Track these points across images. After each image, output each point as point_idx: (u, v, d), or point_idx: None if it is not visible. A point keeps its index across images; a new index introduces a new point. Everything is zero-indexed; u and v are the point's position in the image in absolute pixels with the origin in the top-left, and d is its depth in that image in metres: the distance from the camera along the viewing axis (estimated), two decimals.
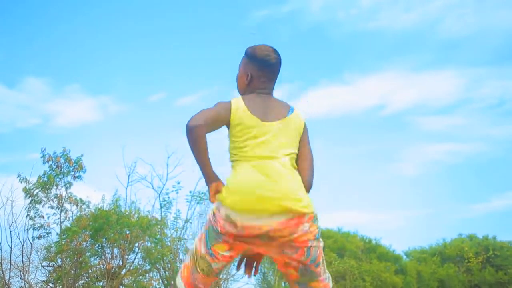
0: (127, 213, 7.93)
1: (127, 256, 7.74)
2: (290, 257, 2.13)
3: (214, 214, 2.14)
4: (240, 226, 2.06)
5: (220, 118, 2.21)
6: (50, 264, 7.70)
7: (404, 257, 15.80)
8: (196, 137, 2.13)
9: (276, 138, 2.21)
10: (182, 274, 2.31)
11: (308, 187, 2.21)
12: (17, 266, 7.88)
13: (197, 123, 2.13)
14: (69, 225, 7.51)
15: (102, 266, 7.51)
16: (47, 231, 7.73)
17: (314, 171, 2.29)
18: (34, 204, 7.64)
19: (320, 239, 2.18)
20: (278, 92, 2.43)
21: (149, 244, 7.88)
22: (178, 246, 8.42)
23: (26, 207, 7.65)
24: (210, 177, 2.13)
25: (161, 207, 8.61)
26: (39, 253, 8.00)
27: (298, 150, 2.29)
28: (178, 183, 8.57)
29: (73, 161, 7.70)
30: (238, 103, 2.25)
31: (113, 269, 7.45)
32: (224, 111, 2.22)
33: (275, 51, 2.39)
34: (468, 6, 15.79)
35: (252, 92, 2.37)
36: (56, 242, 7.27)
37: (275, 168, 2.14)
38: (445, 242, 15.98)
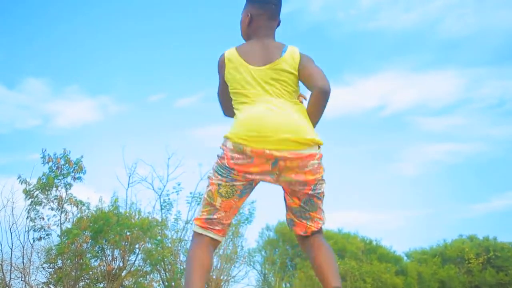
0: (127, 214, 7.92)
1: (127, 258, 7.73)
2: (298, 189, 2.18)
3: (221, 149, 2.18)
4: (249, 152, 2.08)
5: (226, 85, 2.34)
6: (51, 265, 7.68)
7: (405, 258, 15.80)
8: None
9: (269, 83, 2.25)
10: (195, 222, 2.32)
11: (323, 92, 2.20)
12: (18, 267, 7.87)
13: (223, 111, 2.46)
14: (69, 227, 7.50)
15: (102, 268, 7.49)
16: (48, 232, 7.72)
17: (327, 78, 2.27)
18: (34, 206, 7.63)
19: (325, 182, 2.25)
20: None
21: (149, 245, 7.88)
22: (179, 248, 8.41)
23: (26, 209, 7.65)
24: None
25: (161, 209, 8.62)
26: (39, 254, 8.00)
27: (301, 74, 2.30)
28: (179, 184, 8.58)
29: (73, 162, 7.69)
30: (230, 52, 2.35)
31: (113, 271, 7.44)
32: (222, 76, 2.36)
33: None
34: (468, 6, 15.80)
35: (252, 35, 2.43)
36: (57, 244, 7.26)
37: (276, 103, 2.20)
38: (445, 243, 15.97)
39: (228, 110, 2.38)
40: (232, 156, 2.11)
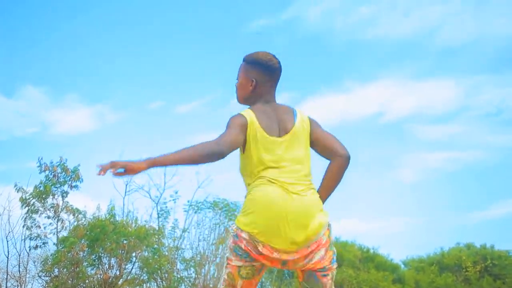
0: (124, 222, 7.90)
1: (124, 266, 7.71)
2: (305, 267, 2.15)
3: (236, 234, 2.13)
4: (261, 249, 2.07)
5: (239, 140, 2.16)
6: (47, 274, 7.65)
7: (402, 266, 15.76)
8: (209, 156, 2.01)
9: (289, 152, 2.20)
10: None
11: (347, 160, 2.24)
12: (14, 276, 7.84)
13: (222, 150, 2.04)
14: (65, 235, 7.48)
15: (99, 276, 7.47)
16: (44, 241, 7.70)
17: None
18: (30, 214, 7.61)
19: (335, 264, 2.21)
20: (277, 100, 2.42)
21: (146, 254, 7.85)
22: (176, 256, 8.39)
23: (23, 217, 7.63)
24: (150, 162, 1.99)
25: (158, 217, 8.60)
26: (36, 263, 7.97)
27: (315, 141, 2.29)
28: (176, 193, 8.56)
29: (70, 170, 7.69)
30: (251, 118, 2.20)
31: (110, 279, 7.41)
32: (241, 131, 2.16)
33: (275, 56, 2.38)
34: (467, 14, 15.88)
35: (256, 100, 2.34)
36: (54, 253, 7.23)
37: (292, 182, 2.14)
38: (443, 251, 15.94)
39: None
40: (247, 245, 2.09)
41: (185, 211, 8.67)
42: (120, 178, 2.02)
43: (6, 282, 7.70)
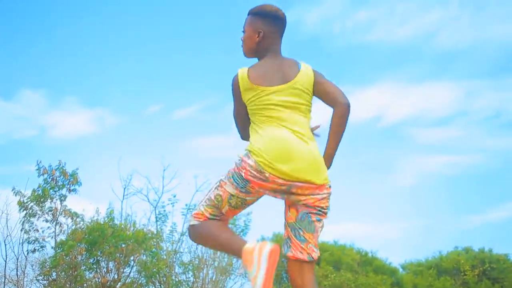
0: (122, 226, 7.89)
1: (122, 270, 7.69)
2: (301, 204, 2.21)
3: (241, 160, 2.18)
4: (268, 175, 2.12)
5: (242, 107, 2.33)
6: (45, 278, 7.63)
7: (401, 270, 15.76)
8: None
9: (287, 100, 2.26)
10: (196, 218, 2.30)
11: (348, 107, 2.31)
12: (12, 280, 7.82)
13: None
14: (64, 239, 7.46)
15: (97, 280, 7.45)
16: (42, 244, 7.68)
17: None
18: (28, 218, 7.60)
19: (327, 214, 2.27)
20: None
21: (144, 257, 7.84)
22: (174, 260, 8.38)
23: (20, 220, 7.62)
24: None
25: (156, 220, 8.59)
26: (34, 266, 7.95)
27: (318, 90, 2.35)
28: (174, 196, 8.55)
29: (68, 174, 7.68)
30: (244, 74, 2.30)
31: (108, 283, 7.39)
32: (238, 99, 2.33)
33: (280, 8, 2.43)
34: (464, 19, 15.93)
35: (262, 52, 2.39)
36: (52, 256, 7.22)
37: (298, 129, 2.23)
38: (441, 255, 15.94)
39: (245, 132, 2.36)
40: (251, 172, 2.13)
41: (183, 214, 8.67)
42: None
43: (4, 286, 7.68)
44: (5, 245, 7.71)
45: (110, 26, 13.75)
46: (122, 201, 8.45)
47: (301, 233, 2.22)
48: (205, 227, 2.23)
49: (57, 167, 7.70)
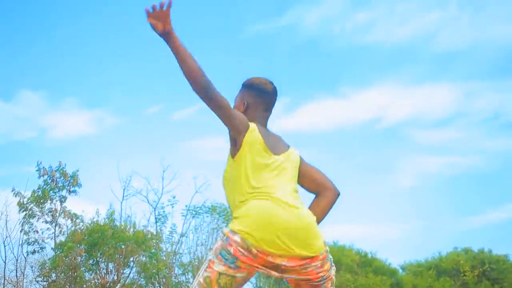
0: (122, 227, 7.90)
1: (122, 271, 7.69)
2: (303, 284, 2.14)
3: (227, 237, 2.10)
4: (255, 252, 2.05)
5: (236, 122, 2.13)
6: (45, 279, 7.64)
7: (400, 270, 15.75)
8: (198, 90, 2.06)
9: (285, 171, 2.22)
10: None
11: (337, 196, 2.30)
12: (11, 281, 7.83)
13: (213, 95, 2.05)
14: (63, 240, 7.47)
15: (97, 281, 7.45)
16: (41, 245, 7.69)
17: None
18: (28, 219, 7.60)
19: (333, 269, 2.20)
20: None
21: (144, 258, 7.84)
22: (174, 261, 8.38)
23: (20, 222, 7.62)
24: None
25: (156, 221, 8.59)
26: (33, 268, 7.96)
27: (303, 174, 2.31)
28: (174, 197, 8.55)
29: (68, 175, 7.68)
30: (253, 126, 2.19)
31: (108, 284, 7.40)
32: (243, 122, 2.16)
33: (272, 82, 2.38)
34: (464, 20, 15.94)
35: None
36: (51, 258, 7.22)
37: (288, 198, 2.13)
38: (440, 256, 15.94)
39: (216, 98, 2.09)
40: (238, 249, 2.06)
41: (183, 216, 8.69)
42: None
43: (4, 287, 7.68)
44: (5, 246, 7.73)
45: (109, 27, 13.76)
46: (121, 202, 8.47)
47: None
48: None
49: (57, 168, 7.71)
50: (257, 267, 2.10)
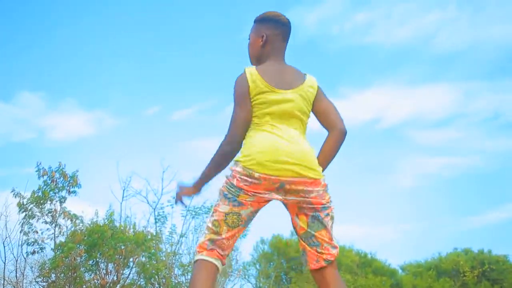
0: (122, 228, 7.89)
1: (122, 271, 7.69)
2: (305, 206, 2.19)
3: (230, 170, 2.19)
4: (257, 176, 2.12)
5: (249, 116, 2.24)
6: (44, 279, 7.64)
7: (400, 271, 15.79)
8: (227, 157, 2.23)
9: (291, 107, 2.25)
10: (198, 251, 2.28)
11: (344, 135, 2.31)
12: (11, 281, 7.82)
13: (235, 147, 2.23)
14: (63, 240, 7.47)
15: (96, 282, 7.45)
16: (41, 246, 7.68)
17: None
18: (28, 219, 7.60)
19: (333, 206, 2.26)
20: None
21: (143, 259, 7.84)
22: (173, 261, 8.38)
23: (20, 222, 7.62)
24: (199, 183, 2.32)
25: (156, 222, 8.59)
26: (33, 268, 7.95)
27: (316, 110, 2.35)
28: (173, 198, 8.55)
29: (68, 176, 7.69)
30: (252, 76, 2.26)
31: (107, 285, 7.39)
32: (247, 101, 2.24)
33: (284, 14, 2.45)
34: (463, 21, 15.96)
35: (267, 58, 2.39)
36: (51, 258, 7.22)
37: (290, 134, 2.21)
38: (440, 256, 15.97)
39: (240, 142, 2.25)
40: (241, 178, 2.14)
41: (182, 216, 8.69)
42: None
43: None
44: (4, 247, 7.72)
45: (109, 28, 13.78)
46: (121, 203, 8.46)
47: (314, 238, 2.22)
48: (196, 278, 2.20)
49: (57, 168, 7.71)
50: (261, 193, 2.16)
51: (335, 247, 2.25)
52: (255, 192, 2.15)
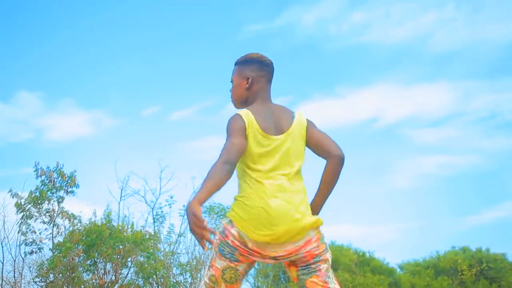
0: (120, 227, 7.89)
1: (120, 271, 7.69)
2: (297, 259, 2.15)
3: (224, 229, 2.14)
4: (250, 246, 2.09)
5: (243, 148, 2.14)
6: (42, 279, 7.64)
7: (398, 270, 15.78)
8: (223, 176, 2.01)
9: (285, 153, 2.21)
10: None
11: (341, 160, 2.25)
12: (9, 282, 7.82)
13: (230, 170, 2.04)
14: (61, 240, 7.46)
15: (94, 282, 7.45)
16: (39, 246, 7.69)
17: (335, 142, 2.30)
18: (26, 219, 7.60)
19: (328, 253, 2.21)
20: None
21: (142, 258, 7.85)
22: (171, 261, 8.39)
23: (18, 222, 7.62)
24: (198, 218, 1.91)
25: (154, 222, 8.60)
26: (31, 268, 7.95)
27: (309, 141, 2.29)
28: (171, 197, 8.55)
29: (66, 176, 7.68)
30: (248, 117, 2.20)
31: (106, 284, 7.40)
32: (242, 137, 2.15)
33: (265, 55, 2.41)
34: (460, 20, 15.97)
35: (253, 100, 2.34)
36: (49, 258, 7.22)
37: (285, 189, 2.15)
38: (438, 255, 15.97)
39: (229, 174, 2.08)
40: (234, 241, 2.10)
41: (180, 215, 8.69)
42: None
43: None
44: (2, 247, 7.72)
45: (107, 28, 13.76)
46: (119, 203, 8.46)
47: (305, 286, 2.16)
48: None
49: (55, 168, 7.71)
50: (255, 257, 2.13)
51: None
52: (248, 255, 2.11)
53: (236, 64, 2.44)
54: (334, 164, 2.24)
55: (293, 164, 2.22)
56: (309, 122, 2.33)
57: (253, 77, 2.35)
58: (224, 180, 2.02)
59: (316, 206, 2.29)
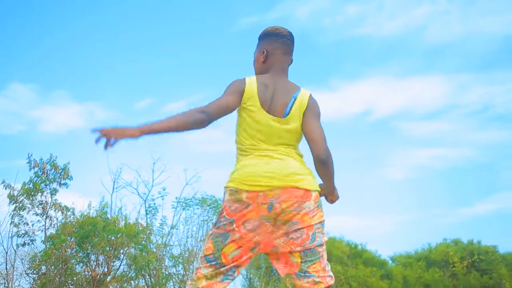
0: (113, 219, 7.90)
1: (112, 263, 7.71)
2: (295, 242, 2.15)
3: (222, 207, 2.18)
4: (245, 197, 2.10)
5: (230, 106, 2.19)
6: (35, 271, 7.64)
7: (390, 262, 15.86)
8: (191, 122, 2.04)
9: (277, 130, 2.23)
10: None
11: (320, 161, 2.22)
12: (1, 274, 7.82)
13: (205, 118, 2.06)
14: (53, 232, 7.47)
15: (87, 273, 7.47)
16: (32, 238, 7.68)
17: (327, 143, 2.26)
18: (18, 211, 7.59)
19: (325, 232, 2.23)
20: None
21: (134, 251, 7.86)
22: (164, 253, 8.41)
23: (10, 214, 7.61)
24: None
25: (146, 214, 8.61)
26: (23, 260, 7.95)
27: (303, 128, 2.29)
28: (164, 189, 8.56)
29: (59, 168, 7.67)
30: (251, 84, 2.25)
31: (98, 276, 7.42)
32: (235, 97, 2.21)
33: (284, 27, 2.43)
34: (453, 13, 16.00)
35: (268, 72, 2.36)
36: (42, 250, 7.22)
37: (277, 156, 2.19)
38: (430, 247, 16.06)
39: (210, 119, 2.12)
40: (230, 206, 2.12)
41: (173, 208, 8.70)
42: (111, 146, 1.99)
43: None
44: None
45: (101, 21, 13.70)
46: (111, 195, 8.46)
47: (307, 272, 2.18)
48: None
49: (48, 160, 7.69)
50: (251, 224, 2.11)
51: (326, 274, 2.20)
52: (244, 221, 2.11)
53: (258, 39, 2.48)
54: (315, 163, 2.25)
55: (283, 142, 2.24)
56: (309, 106, 2.31)
57: (268, 50, 2.38)
58: (190, 125, 2.02)
59: (326, 187, 2.32)
